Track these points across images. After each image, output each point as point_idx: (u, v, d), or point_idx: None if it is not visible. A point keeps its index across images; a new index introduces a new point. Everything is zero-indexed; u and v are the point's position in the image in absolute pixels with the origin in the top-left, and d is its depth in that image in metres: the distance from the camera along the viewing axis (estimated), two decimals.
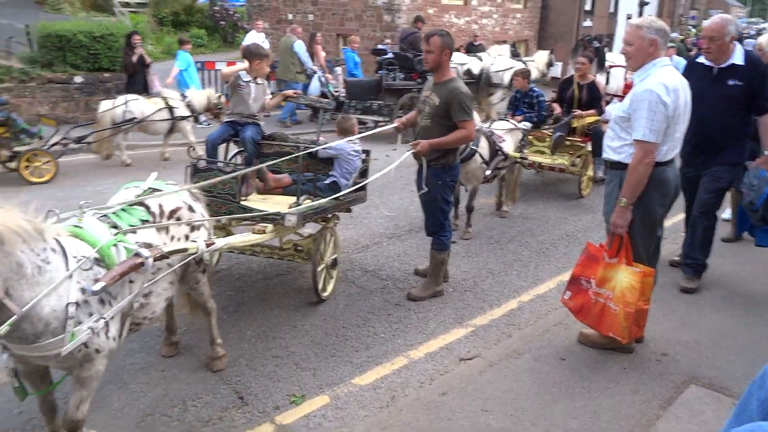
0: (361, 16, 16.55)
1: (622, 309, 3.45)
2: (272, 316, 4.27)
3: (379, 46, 13.35)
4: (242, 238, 3.79)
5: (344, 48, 12.64)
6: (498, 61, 12.33)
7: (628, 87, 9.20)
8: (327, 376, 3.58)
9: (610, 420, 3.11)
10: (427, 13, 16.86)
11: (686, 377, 3.48)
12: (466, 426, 3.05)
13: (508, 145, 6.36)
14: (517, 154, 6.59)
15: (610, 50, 12.66)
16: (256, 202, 4.48)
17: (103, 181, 7.43)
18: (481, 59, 12.85)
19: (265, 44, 12.76)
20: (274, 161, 4.34)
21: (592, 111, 7.35)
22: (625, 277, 3.45)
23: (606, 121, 7.30)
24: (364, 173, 4.68)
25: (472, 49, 16.84)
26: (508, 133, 6.52)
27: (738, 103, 4.26)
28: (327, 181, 4.52)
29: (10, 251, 2.15)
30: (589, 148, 7.50)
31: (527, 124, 7.27)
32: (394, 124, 4.65)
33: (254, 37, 12.56)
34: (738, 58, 4.25)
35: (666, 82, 3.25)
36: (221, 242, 3.35)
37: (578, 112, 7.32)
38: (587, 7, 24.44)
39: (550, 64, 14.19)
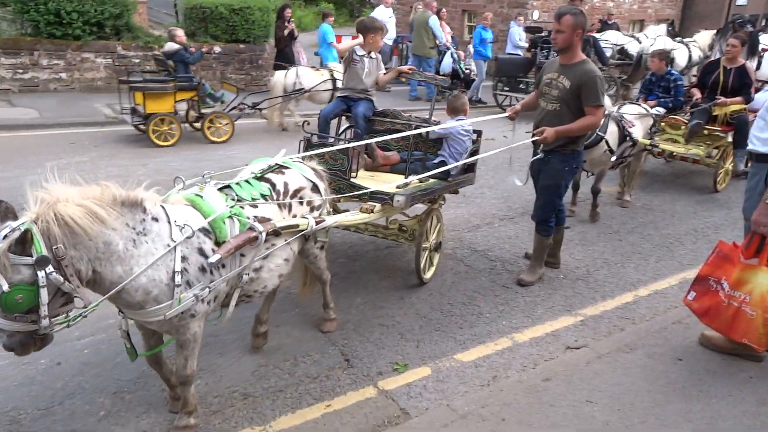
0: None
1: (761, 314, 3.17)
2: (381, 286, 4.40)
3: (532, 25, 13.13)
4: (351, 216, 3.71)
5: (478, 25, 12.41)
6: (658, 42, 11.53)
7: None
8: (430, 348, 3.65)
9: (728, 429, 2.90)
10: None
11: None
12: (568, 414, 2.99)
13: (638, 131, 5.97)
14: (647, 141, 6.19)
15: (766, 33, 11.34)
16: (365, 179, 4.38)
17: (270, 144, 7.91)
18: (639, 40, 12.14)
19: (392, 20, 12.87)
20: (382, 138, 4.35)
21: (738, 98, 6.69)
22: (767, 280, 3.16)
23: (754, 111, 6.58)
24: (474, 154, 4.50)
25: (605, 27, 15.90)
26: (638, 118, 6.10)
27: None
28: (435, 161, 4.43)
29: (92, 236, 2.16)
30: (730, 138, 6.87)
31: (660, 110, 6.78)
32: (506, 113, 4.50)
33: (381, 12, 12.66)
34: None
35: None
36: (331, 220, 3.31)
37: (722, 99, 6.68)
38: None
39: (712, 46, 13.05)
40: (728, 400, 3.10)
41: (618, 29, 16.48)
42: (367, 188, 3.89)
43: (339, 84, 8.45)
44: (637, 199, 6.65)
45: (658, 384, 3.25)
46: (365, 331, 3.80)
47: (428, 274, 4.47)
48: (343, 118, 5.16)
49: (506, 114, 4.51)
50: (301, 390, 3.18)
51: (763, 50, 9.34)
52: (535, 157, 4.27)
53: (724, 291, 3.33)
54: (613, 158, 5.59)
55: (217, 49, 11.05)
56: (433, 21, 11.91)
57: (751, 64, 8.17)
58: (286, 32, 10.69)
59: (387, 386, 3.27)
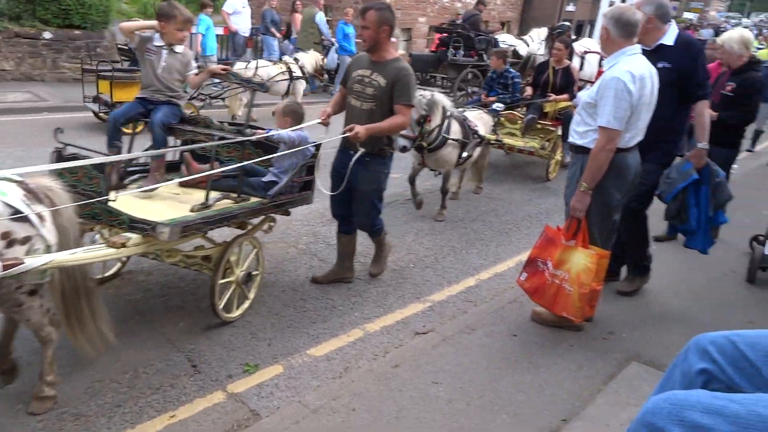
0: None
1: (577, 290, 3.54)
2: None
3: (443, 25, 14.01)
4: (86, 254, 2.80)
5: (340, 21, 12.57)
6: (543, 46, 12.51)
7: (600, 74, 9.30)
8: (282, 346, 3.62)
9: (553, 394, 3.21)
10: None
11: (629, 355, 3.61)
12: (415, 397, 3.12)
13: (481, 129, 6.33)
14: (493, 137, 6.62)
15: (591, 36, 12.76)
16: (163, 199, 3.69)
17: None
18: (527, 43, 13.15)
19: (246, 10, 12.50)
20: (190, 147, 3.89)
21: (565, 96, 7.42)
22: (581, 259, 3.54)
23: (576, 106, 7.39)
24: (310, 169, 4.06)
25: (454, 27, 16.76)
26: (480, 118, 6.48)
27: (669, 89, 3.70)
28: (265, 179, 3.89)
29: None
30: (560, 132, 7.57)
31: (500, 106, 7.31)
32: (319, 120, 4.02)
33: (235, 2, 12.24)
34: (668, 38, 3.89)
35: (633, 70, 3.30)
36: (35, 262, 2.46)
37: (552, 96, 7.42)
38: None
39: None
40: (553, 368, 3.43)
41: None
42: (126, 215, 3.10)
43: (294, 76, 9.36)
44: (493, 182, 7.13)
45: (495, 360, 3.51)
46: (214, 333, 3.67)
47: (236, 312, 3.78)
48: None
49: (319, 121, 4.03)
50: (141, 403, 2.99)
51: (586, 53, 10.38)
52: (354, 158, 3.92)
53: (548, 270, 3.68)
54: (465, 154, 5.86)
55: (47, 34, 10.02)
56: (320, 17, 12.17)
57: (575, 65, 9.10)
58: None
59: (236, 389, 3.19)
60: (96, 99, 8.09)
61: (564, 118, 7.40)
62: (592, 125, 3.48)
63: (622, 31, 3.40)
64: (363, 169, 3.98)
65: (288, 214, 4.26)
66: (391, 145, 4.09)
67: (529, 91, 7.74)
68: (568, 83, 7.47)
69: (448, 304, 4.33)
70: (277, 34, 12.91)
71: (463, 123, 5.96)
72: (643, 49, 3.64)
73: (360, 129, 3.73)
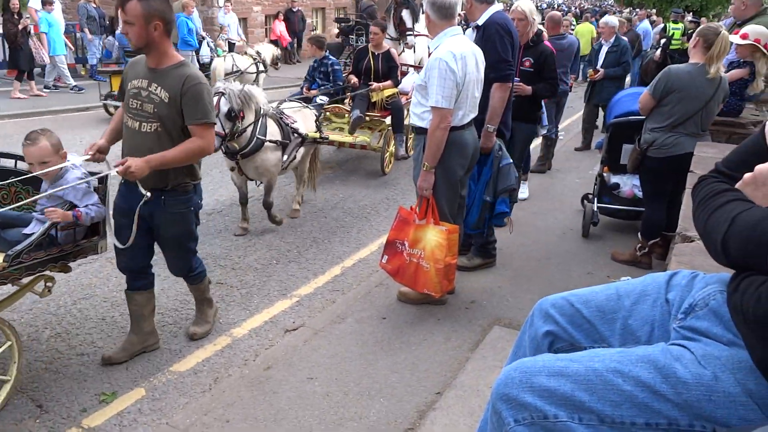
0: None
1: (433, 266, 3.66)
2: (74, 309, 3.86)
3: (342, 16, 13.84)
4: None
5: (178, 14, 11.65)
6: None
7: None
8: (142, 367, 3.34)
9: (427, 369, 3.31)
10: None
11: (491, 320, 3.83)
12: (291, 397, 3.05)
13: (302, 126, 5.59)
14: (316, 135, 5.84)
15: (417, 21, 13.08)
16: None
17: None
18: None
19: (56, 4, 11.31)
20: None
21: (388, 83, 7.05)
22: (433, 236, 3.66)
23: (404, 93, 7.31)
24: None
25: (290, 16, 16.56)
26: (299, 112, 5.77)
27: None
28: (27, 230, 2.96)
29: None
30: (389, 121, 7.17)
31: (324, 99, 6.82)
32: (87, 156, 3.12)
33: None
34: (482, 19, 3.98)
35: (454, 50, 3.44)
36: None
37: (374, 84, 6.97)
38: None
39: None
40: (423, 345, 3.54)
41: (303, 18, 17.33)
42: None
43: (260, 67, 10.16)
44: (336, 177, 7.13)
45: (368, 345, 3.54)
46: (60, 366, 3.29)
47: None
48: None
49: (86, 157, 3.13)
50: None
51: (416, 35, 10.25)
52: (141, 202, 2.94)
53: (406, 251, 3.77)
54: (285, 157, 5.20)
55: None
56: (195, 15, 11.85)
57: (395, 51, 8.13)
58: (20, 27, 8.98)
59: (93, 422, 2.90)
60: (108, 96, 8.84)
61: (392, 109, 7.08)
62: (427, 106, 3.58)
63: (439, 14, 3.55)
64: (161, 211, 3.08)
65: (68, 270, 3.19)
66: (194, 174, 3.16)
67: (354, 79, 7.17)
68: (390, 69, 7.05)
69: (316, 297, 4.28)
70: (89, 35, 11.81)
71: (280, 121, 5.26)
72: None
73: (136, 164, 2.78)
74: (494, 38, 3.89)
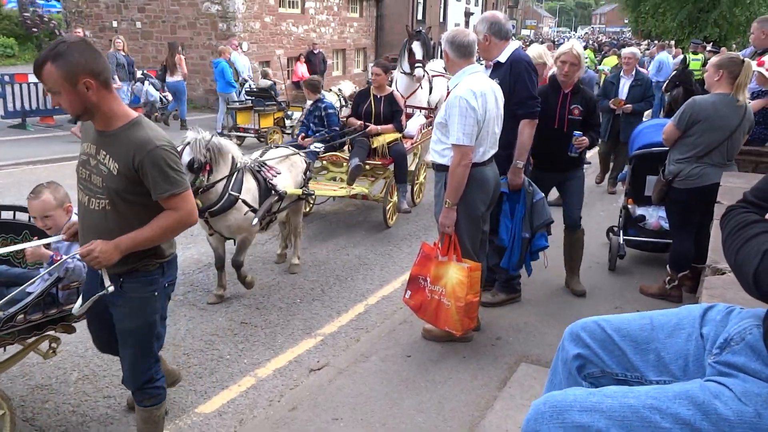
0: (194, 24, 15.88)
1: (454, 303, 3.63)
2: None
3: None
4: None
5: (216, 60, 12.28)
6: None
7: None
8: (167, 409, 3.33)
9: (453, 408, 3.25)
10: (264, 22, 16.67)
11: (518, 357, 3.76)
12: None
13: (286, 179, 4.96)
14: (298, 191, 5.13)
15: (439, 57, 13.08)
16: None
17: None
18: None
19: None
20: None
21: (389, 126, 6.42)
22: (455, 273, 3.64)
23: (410, 137, 7.15)
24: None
25: (311, 58, 16.97)
26: (285, 161, 5.12)
27: (506, 104, 3.78)
28: (31, 288, 2.75)
29: None
30: (393, 169, 6.54)
31: (319, 146, 6.14)
32: (54, 239, 2.82)
33: None
34: (503, 56, 3.96)
35: (474, 88, 3.48)
36: None
37: (371, 126, 6.36)
38: (419, 17, 25.77)
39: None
40: (449, 383, 3.48)
41: (324, 59, 17.74)
42: None
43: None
44: (358, 213, 7.16)
45: (393, 384, 3.49)
46: (88, 408, 3.30)
47: None
48: None
49: (38, 243, 2.89)
50: None
51: (434, 76, 10.23)
52: (101, 292, 2.44)
53: (428, 287, 3.75)
54: (255, 221, 4.50)
55: None
56: (234, 57, 12.60)
57: (398, 93, 7.43)
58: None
59: None
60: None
61: (395, 156, 6.46)
62: (447, 144, 3.60)
63: (458, 52, 3.60)
64: (116, 296, 2.48)
65: (71, 330, 3.05)
66: (160, 253, 2.54)
67: (357, 122, 6.48)
68: (393, 113, 6.46)
69: (340, 335, 4.26)
70: (118, 81, 12.16)
71: (258, 175, 4.68)
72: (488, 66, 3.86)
73: (104, 249, 2.30)
74: (524, 75, 3.90)
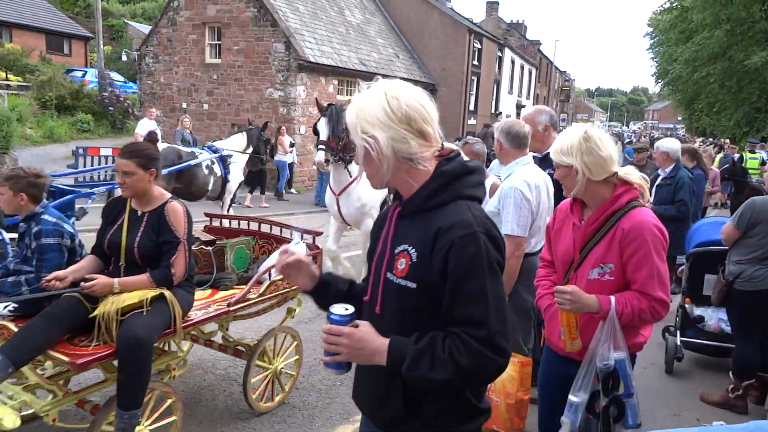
0: (257, 108, 16.82)
1: (503, 400, 3.48)
2: None
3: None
4: None
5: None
6: None
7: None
8: None
9: None
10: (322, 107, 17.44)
11: None
12: None
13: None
14: None
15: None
16: None
17: None
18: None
19: (158, 131, 12.60)
20: None
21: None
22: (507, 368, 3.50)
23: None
24: None
25: None
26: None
27: (558, 195, 3.46)
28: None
29: None
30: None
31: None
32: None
33: (146, 125, 12.42)
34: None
35: (528, 179, 3.51)
36: None
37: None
38: (471, 107, 26.53)
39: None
40: None
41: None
42: None
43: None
44: None
45: None
46: None
47: None
48: None
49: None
50: None
51: None
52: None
53: None
54: None
55: None
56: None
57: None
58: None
59: None
60: None
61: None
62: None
63: (513, 142, 3.65)
64: None
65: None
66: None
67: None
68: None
69: None
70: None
71: None
72: (535, 156, 3.88)
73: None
74: None
